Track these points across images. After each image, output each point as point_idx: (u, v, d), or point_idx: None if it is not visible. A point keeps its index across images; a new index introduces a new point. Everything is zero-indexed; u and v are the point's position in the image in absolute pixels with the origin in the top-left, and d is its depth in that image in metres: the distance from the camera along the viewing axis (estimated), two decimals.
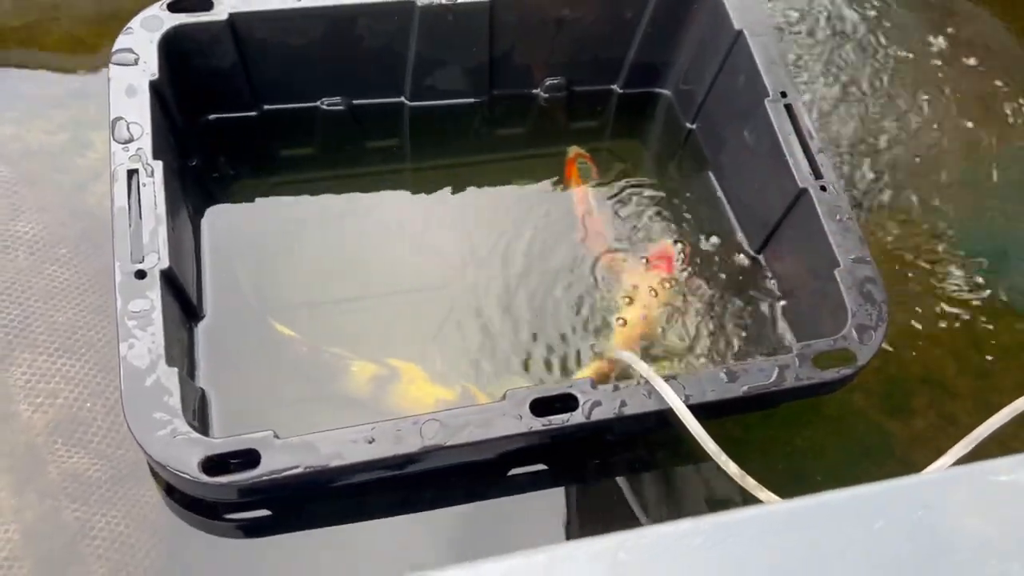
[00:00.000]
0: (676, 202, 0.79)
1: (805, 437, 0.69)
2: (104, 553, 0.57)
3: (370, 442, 0.54)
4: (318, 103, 0.77)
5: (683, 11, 0.78)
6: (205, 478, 0.51)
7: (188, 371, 0.61)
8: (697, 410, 0.57)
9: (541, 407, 0.56)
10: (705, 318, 0.71)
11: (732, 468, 0.54)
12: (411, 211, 0.76)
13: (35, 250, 0.67)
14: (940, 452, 0.52)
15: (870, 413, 0.70)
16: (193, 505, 0.58)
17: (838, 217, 0.66)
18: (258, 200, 0.74)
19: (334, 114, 0.78)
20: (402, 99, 0.79)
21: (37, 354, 0.63)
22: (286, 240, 0.72)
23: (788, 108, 0.70)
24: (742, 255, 0.76)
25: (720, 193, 0.79)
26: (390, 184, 0.78)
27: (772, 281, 0.74)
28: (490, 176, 0.79)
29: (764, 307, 0.72)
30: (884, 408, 0.71)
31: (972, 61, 0.95)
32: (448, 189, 0.77)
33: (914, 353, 0.74)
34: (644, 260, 0.75)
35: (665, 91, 0.85)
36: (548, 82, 0.82)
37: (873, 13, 0.97)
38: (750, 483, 0.53)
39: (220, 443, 0.53)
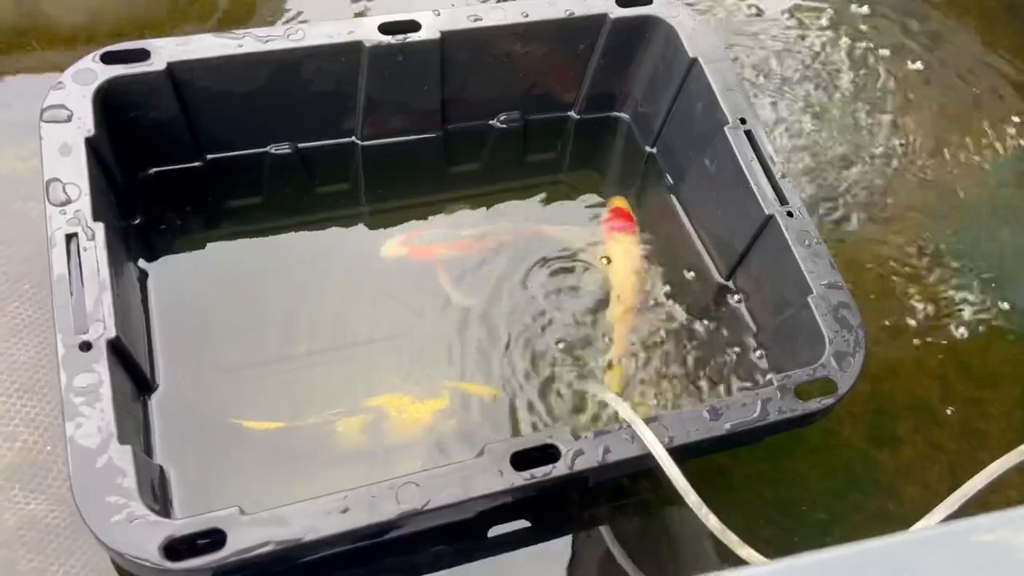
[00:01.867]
0: (639, 229, 0.77)
1: (791, 466, 0.67)
2: None
3: (344, 512, 0.51)
4: (266, 150, 0.75)
5: (636, 41, 0.77)
6: (167, 564, 0.48)
7: (144, 447, 0.57)
8: (681, 451, 0.55)
9: (522, 460, 0.54)
10: (679, 349, 0.70)
11: (712, 521, 0.51)
12: (369, 256, 0.73)
13: None
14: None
15: (856, 442, 0.69)
16: None
17: (807, 242, 0.66)
18: (207, 255, 0.70)
19: (283, 160, 0.75)
20: (353, 139, 0.77)
21: None
22: (240, 295, 0.68)
23: (748, 134, 0.70)
24: (711, 282, 0.74)
25: (684, 218, 0.78)
26: (346, 228, 0.75)
27: (744, 308, 0.72)
28: (447, 214, 0.77)
29: (738, 335, 0.71)
30: (870, 436, 0.70)
31: (942, 74, 0.96)
32: (405, 230, 0.75)
33: (899, 379, 0.73)
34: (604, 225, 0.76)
35: (623, 115, 0.84)
36: (503, 115, 0.80)
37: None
38: (731, 539, 0.51)
39: (181, 524, 0.49)
